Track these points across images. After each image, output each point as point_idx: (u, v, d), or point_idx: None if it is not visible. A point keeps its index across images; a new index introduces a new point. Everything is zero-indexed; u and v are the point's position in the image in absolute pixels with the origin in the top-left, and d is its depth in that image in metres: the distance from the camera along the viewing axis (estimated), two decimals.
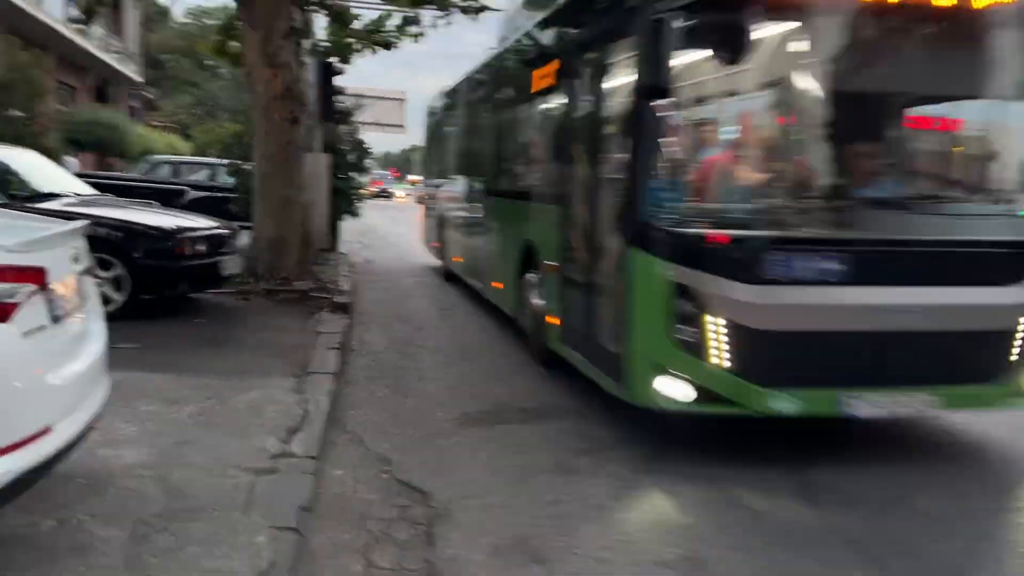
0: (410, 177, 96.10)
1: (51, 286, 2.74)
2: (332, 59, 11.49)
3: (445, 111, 12.29)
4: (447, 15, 9.77)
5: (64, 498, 3.39)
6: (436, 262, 12.82)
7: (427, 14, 9.91)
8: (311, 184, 10.87)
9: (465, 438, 4.99)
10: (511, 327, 7.78)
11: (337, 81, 11.93)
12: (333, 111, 11.94)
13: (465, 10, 9.51)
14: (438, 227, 12.18)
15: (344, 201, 14.29)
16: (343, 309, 8.77)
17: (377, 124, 17.97)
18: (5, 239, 2.63)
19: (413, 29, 9.59)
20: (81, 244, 3.25)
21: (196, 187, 19.98)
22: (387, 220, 25.86)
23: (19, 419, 2.51)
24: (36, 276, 2.63)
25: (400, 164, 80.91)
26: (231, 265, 7.78)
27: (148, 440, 4.23)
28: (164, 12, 62.82)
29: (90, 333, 3.31)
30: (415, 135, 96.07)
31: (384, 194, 49.86)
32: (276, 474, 3.94)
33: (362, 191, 15.18)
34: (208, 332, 7.00)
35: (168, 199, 19.85)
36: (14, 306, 2.50)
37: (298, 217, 9.53)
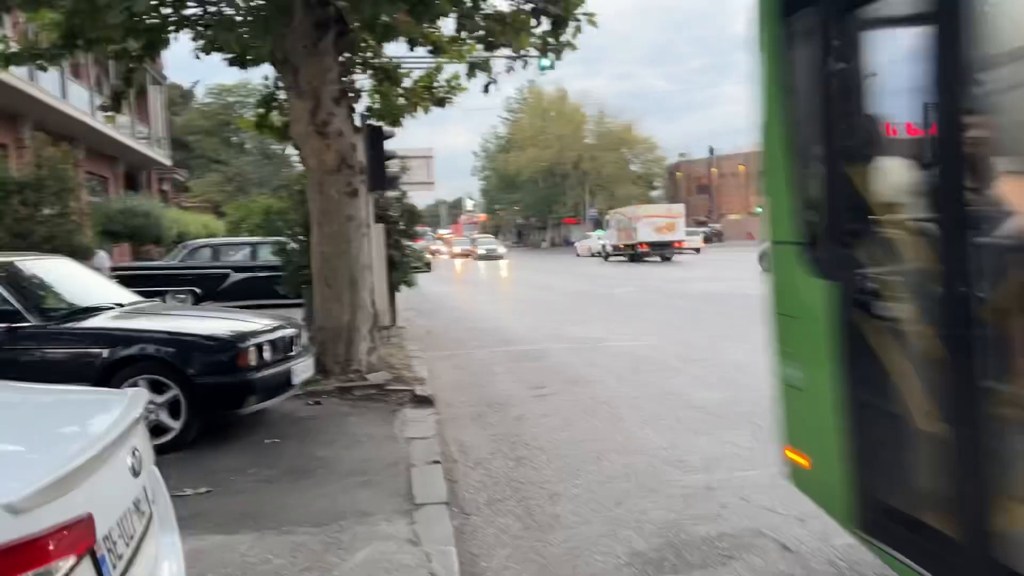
0: (439, 231, 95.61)
1: (102, 538, 1.60)
2: (380, 123, 10.53)
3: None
4: (519, 59, 8.71)
5: None
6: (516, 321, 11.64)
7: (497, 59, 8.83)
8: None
9: None
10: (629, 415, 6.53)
11: (387, 145, 10.95)
12: (384, 178, 10.94)
13: (546, 50, 8.42)
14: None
15: (400, 272, 13.27)
16: (426, 402, 7.64)
17: (409, 183, 17.20)
18: (14, 479, 1.49)
19: (480, 78, 8.54)
20: (141, 434, 2.12)
21: (238, 268, 19.25)
22: (427, 279, 24.82)
23: None
24: (76, 538, 1.49)
25: (429, 220, 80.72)
26: (303, 369, 6.67)
27: None
28: (187, 95, 63.77)
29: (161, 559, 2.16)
30: (440, 190, 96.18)
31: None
32: None
33: (425, 258, 14.13)
34: (285, 456, 5.86)
35: (210, 284, 19.19)
36: None
37: (367, 299, 8.45)
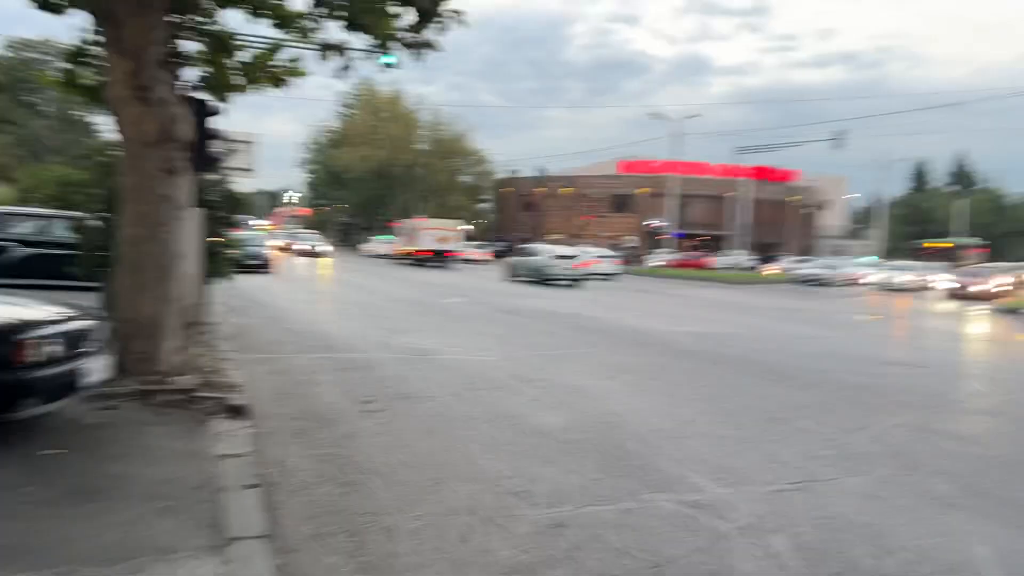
0: (255, 222, 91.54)
1: None
2: (207, 97, 9.47)
3: None
4: (377, 49, 8.03)
5: None
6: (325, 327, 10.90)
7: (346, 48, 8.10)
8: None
9: None
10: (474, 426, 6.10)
11: (213, 123, 9.88)
12: (207, 159, 9.88)
13: (407, 44, 7.80)
14: None
15: (216, 263, 12.12)
16: (241, 412, 6.82)
17: (228, 168, 15.99)
18: None
19: (337, 62, 7.80)
20: None
21: (22, 242, 17.05)
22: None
23: None
24: None
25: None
26: (97, 368, 5.67)
27: None
28: None
29: None
30: (263, 178, 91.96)
31: (256, 263, 44.02)
32: None
33: (239, 250, 13.00)
34: (69, 472, 4.91)
35: None
36: None
37: (178, 292, 7.49)
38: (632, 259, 61.64)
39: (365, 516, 4.75)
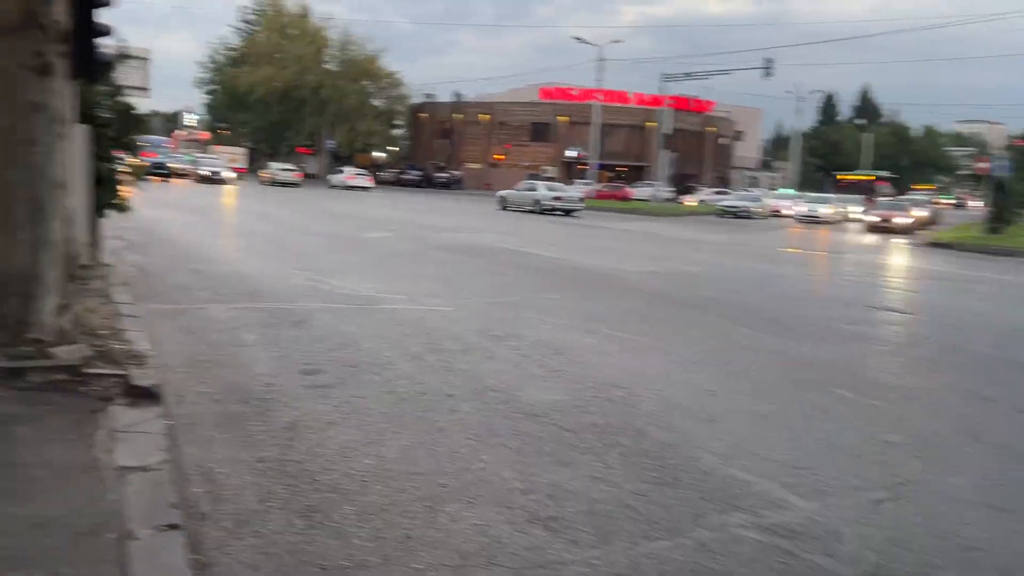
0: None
1: None
2: None
3: None
4: None
5: None
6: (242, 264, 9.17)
7: None
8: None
9: None
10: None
11: (100, 17, 7.82)
12: (93, 62, 7.85)
13: None
14: None
15: (108, 192, 10.13)
16: (149, 395, 5.19)
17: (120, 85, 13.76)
18: None
19: None
20: None
21: None
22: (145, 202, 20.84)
23: None
24: None
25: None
26: None
27: None
28: None
29: None
30: (158, 99, 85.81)
31: (160, 171, 41.44)
32: None
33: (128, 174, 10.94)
34: None
35: None
36: None
37: (57, 234, 5.67)
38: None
39: (340, 572, 3.29)
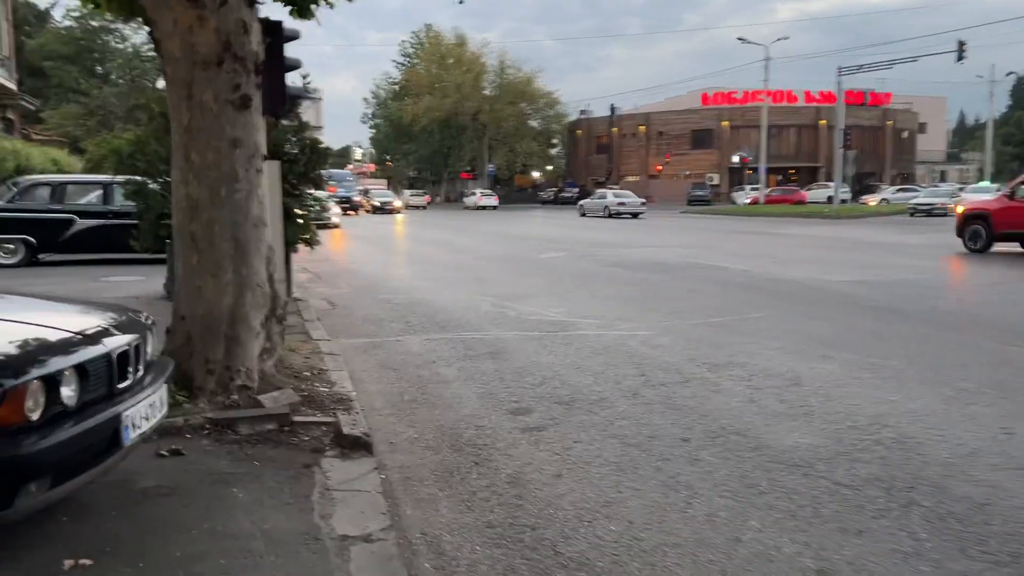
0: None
1: None
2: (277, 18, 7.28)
3: None
4: None
5: None
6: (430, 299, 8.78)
7: None
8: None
9: None
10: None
11: (289, 51, 7.72)
12: (285, 95, 7.76)
13: None
14: None
15: (298, 227, 10.15)
16: (360, 445, 4.76)
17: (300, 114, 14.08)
18: None
19: None
20: None
21: (86, 214, 15.50)
22: (327, 235, 21.43)
23: None
24: None
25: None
26: (148, 409, 3.59)
27: None
28: (42, 15, 56.13)
29: None
30: (326, 136, 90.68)
31: (347, 204, 43.93)
32: None
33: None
34: None
35: (49, 232, 15.28)
36: None
37: (262, 272, 5.42)
38: (713, 198, 58.18)
39: None
